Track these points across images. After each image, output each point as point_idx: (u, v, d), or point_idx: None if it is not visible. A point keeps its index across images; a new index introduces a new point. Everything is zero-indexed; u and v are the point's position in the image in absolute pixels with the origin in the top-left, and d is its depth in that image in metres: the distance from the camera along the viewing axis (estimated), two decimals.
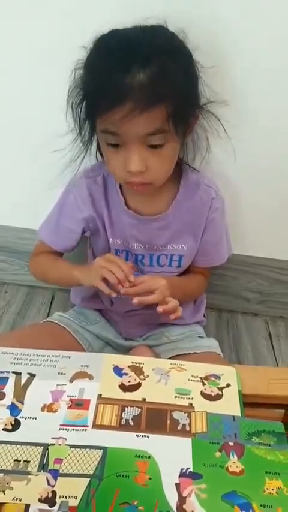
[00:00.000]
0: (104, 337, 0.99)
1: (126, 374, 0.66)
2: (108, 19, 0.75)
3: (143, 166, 0.76)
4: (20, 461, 0.54)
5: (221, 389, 0.65)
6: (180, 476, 0.54)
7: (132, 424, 0.59)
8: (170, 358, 0.93)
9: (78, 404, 0.61)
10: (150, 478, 0.53)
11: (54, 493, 0.51)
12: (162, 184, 0.83)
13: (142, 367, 0.67)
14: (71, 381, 0.64)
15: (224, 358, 0.97)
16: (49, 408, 0.61)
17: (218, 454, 0.57)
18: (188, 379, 0.66)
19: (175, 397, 0.63)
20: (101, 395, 0.63)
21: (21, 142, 1.06)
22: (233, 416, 0.61)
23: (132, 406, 0.61)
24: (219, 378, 0.67)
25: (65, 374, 0.65)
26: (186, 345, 0.96)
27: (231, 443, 0.58)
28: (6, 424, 0.58)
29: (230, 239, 1.01)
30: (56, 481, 0.53)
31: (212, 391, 0.65)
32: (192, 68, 0.78)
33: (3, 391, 0.62)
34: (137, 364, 0.68)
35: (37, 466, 0.54)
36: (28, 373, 0.65)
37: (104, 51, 0.74)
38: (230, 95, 0.90)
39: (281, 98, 0.95)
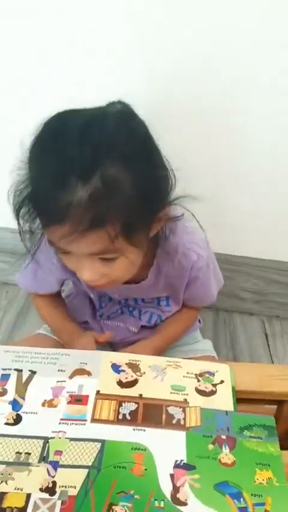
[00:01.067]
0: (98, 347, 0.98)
1: (124, 371, 0.68)
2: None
3: (97, 276, 0.67)
4: (21, 453, 0.57)
5: (215, 385, 0.68)
6: (174, 467, 0.56)
7: (129, 418, 0.62)
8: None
9: (77, 399, 0.64)
10: (146, 469, 0.56)
11: (54, 483, 0.54)
12: None
13: (139, 364, 0.70)
14: (70, 377, 0.67)
15: (218, 360, 0.98)
16: (49, 403, 0.63)
17: (211, 446, 0.59)
18: (184, 376, 0.69)
19: (171, 393, 0.66)
20: (99, 391, 0.65)
21: (20, 143, 1.08)
22: (226, 411, 0.64)
23: (129, 402, 0.64)
24: (213, 374, 0.69)
25: (64, 371, 0.68)
26: (182, 349, 0.96)
27: (223, 436, 0.60)
28: (8, 419, 0.61)
29: (218, 275, 0.93)
30: (56, 471, 0.55)
31: (206, 387, 0.67)
32: (146, 162, 0.63)
33: (6, 387, 0.65)
34: (134, 362, 0.70)
35: (38, 457, 0.56)
36: (29, 370, 0.67)
37: (42, 157, 0.63)
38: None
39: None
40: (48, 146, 0.62)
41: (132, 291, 0.85)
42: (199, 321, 1.06)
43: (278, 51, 0.93)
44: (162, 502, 0.53)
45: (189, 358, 0.91)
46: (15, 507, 0.51)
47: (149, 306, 0.91)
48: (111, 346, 0.94)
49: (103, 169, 0.58)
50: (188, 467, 0.57)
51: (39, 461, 0.56)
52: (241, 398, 0.67)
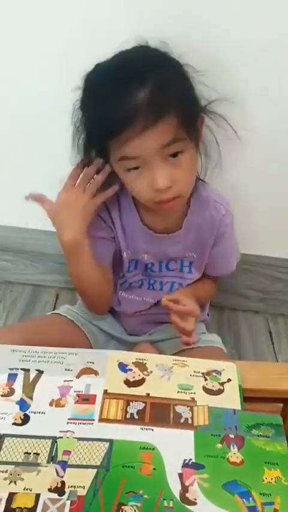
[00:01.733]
0: (109, 333, 1.02)
1: (131, 370, 0.68)
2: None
3: (170, 181, 0.76)
4: (30, 453, 0.57)
5: (222, 384, 0.68)
6: (183, 466, 0.56)
7: (136, 417, 0.62)
8: (174, 354, 0.95)
9: (85, 399, 0.64)
10: (154, 469, 0.56)
11: (63, 483, 0.54)
12: None
13: (146, 363, 0.70)
14: (77, 376, 0.67)
15: (226, 354, 0.99)
16: (57, 403, 0.63)
17: (219, 445, 0.59)
18: (190, 375, 0.68)
19: (178, 392, 0.66)
20: (106, 390, 0.65)
21: (22, 143, 1.08)
22: (234, 410, 0.64)
23: (137, 401, 0.64)
24: (220, 373, 0.69)
25: (71, 370, 0.67)
26: None
27: (231, 435, 0.60)
28: (16, 419, 0.61)
29: (238, 246, 1.03)
30: (64, 471, 0.55)
31: (213, 386, 0.67)
32: (185, 74, 0.79)
33: (13, 387, 0.65)
34: (141, 361, 0.70)
35: (46, 457, 0.56)
36: (36, 370, 0.67)
37: (99, 82, 0.75)
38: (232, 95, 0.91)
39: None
40: (104, 73, 0.75)
41: (165, 244, 0.92)
42: (208, 315, 1.07)
43: None
44: (171, 502, 0.53)
45: (197, 348, 0.94)
46: (25, 507, 0.51)
47: (171, 274, 0.95)
48: (126, 316, 1.01)
49: (154, 72, 0.72)
50: (196, 466, 0.57)
51: (47, 462, 0.56)
52: (247, 397, 0.67)
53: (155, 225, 0.91)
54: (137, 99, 0.71)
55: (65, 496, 0.53)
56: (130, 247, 0.93)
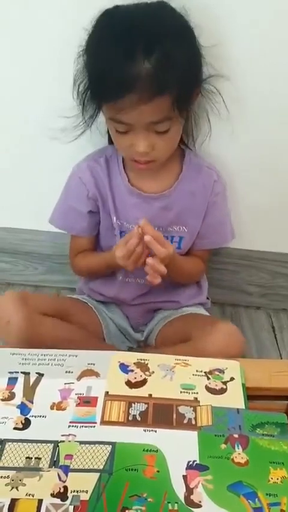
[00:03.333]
0: (118, 324, 1.02)
1: (132, 371, 0.67)
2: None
3: (150, 148, 0.79)
4: (31, 458, 0.56)
5: (225, 383, 0.67)
6: (187, 468, 0.56)
7: (139, 419, 0.61)
8: (161, 329, 0.98)
9: (86, 401, 0.63)
10: (158, 471, 0.55)
11: (65, 487, 0.53)
12: (165, 164, 0.86)
13: (147, 363, 0.69)
14: (78, 379, 0.66)
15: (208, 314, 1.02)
16: (58, 406, 0.62)
17: (223, 446, 0.58)
18: (193, 374, 0.68)
19: (180, 392, 0.65)
20: (108, 392, 0.64)
21: (21, 144, 1.07)
22: (237, 409, 0.63)
23: (139, 402, 0.63)
24: (223, 372, 0.68)
25: (72, 372, 0.67)
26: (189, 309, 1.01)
27: (235, 435, 0.59)
28: (17, 423, 0.60)
29: (232, 224, 1.02)
30: (67, 476, 0.54)
31: (216, 385, 0.66)
32: (196, 47, 0.78)
33: (13, 391, 0.64)
34: (143, 361, 0.69)
35: (48, 462, 0.56)
36: (36, 373, 0.67)
37: (106, 37, 0.73)
38: (230, 71, 0.89)
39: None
40: (114, 28, 0.73)
41: (155, 208, 0.91)
42: (207, 298, 1.09)
43: None
44: (176, 505, 0.52)
45: (179, 316, 0.97)
46: None
47: None
48: (127, 307, 1.02)
49: (163, 44, 0.70)
50: (200, 467, 0.56)
51: (50, 466, 0.55)
52: (251, 395, 0.67)
53: (144, 187, 0.91)
54: (139, 71, 0.70)
55: (68, 501, 0.52)
56: (120, 216, 0.93)
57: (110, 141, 0.90)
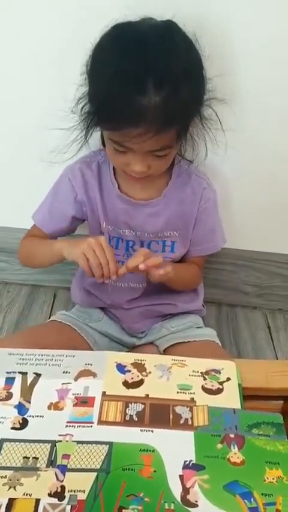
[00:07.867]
0: (109, 334, 1.01)
1: (129, 371, 0.68)
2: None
3: (146, 168, 0.80)
4: (29, 458, 0.56)
5: (221, 383, 0.67)
6: (183, 468, 0.56)
7: (136, 419, 0.61)
8: (169, 347, 0.96)
9: (83, 401, 0.63)
10: (155, 471, 0.55)
11: (63, 487, 0.53)
12: None
13: (144, 364, 0.69)
14: (75, 379, 0.66)
15: (221, 347, 0.99)
16: (55, 406, 0.63)
17: (219, 445, 0.59)
18: (189, 375, 0.68)
19: (177, 392, 0.65)
20: (105, 392, 0.64)
21: (20, 143, 1.07)
22: (234, 409, 0.63)
23: (136, 402, 0.63)
24: (219, 372, 0.69)
25: (69, 373, 0.67)
26: (185, 334, 0.98)
27: (232, 435, 0.60)
28: (14, 423, 0.60)
29: (223, 230, 1.02)
30: (64, 476, 0.55)
31: (212, 386, 0.67)
32: (203, 80, 0.79)
33: (11, 391, 0.64)
34: (139, 361, 0.69)
35: (45, 462, 0.56)
36: (34, 373, 0.67)
37: (115, 61, 0.71)
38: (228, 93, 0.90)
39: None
40: (124, 53, 0.70)
41: (144, 214, 0.91)
42: (203, 306, 1.08)
43: None
44: (172, 504, 0.52)
45: (193, 342, 0.94)
46: None
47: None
48: (120, 312, 1.01)
49: (174, 79, 0.70)
50: (197, 467, 0.56)
51: (47, 466, 0.56)
52: (247, 396, 0.67)
53: (133, 193, 0.92)
54: (149, 104, 0.69)
55: (65, 501, 0.52)
56: (110, 220, 0.93)
57: (104, 144, 0.90)
